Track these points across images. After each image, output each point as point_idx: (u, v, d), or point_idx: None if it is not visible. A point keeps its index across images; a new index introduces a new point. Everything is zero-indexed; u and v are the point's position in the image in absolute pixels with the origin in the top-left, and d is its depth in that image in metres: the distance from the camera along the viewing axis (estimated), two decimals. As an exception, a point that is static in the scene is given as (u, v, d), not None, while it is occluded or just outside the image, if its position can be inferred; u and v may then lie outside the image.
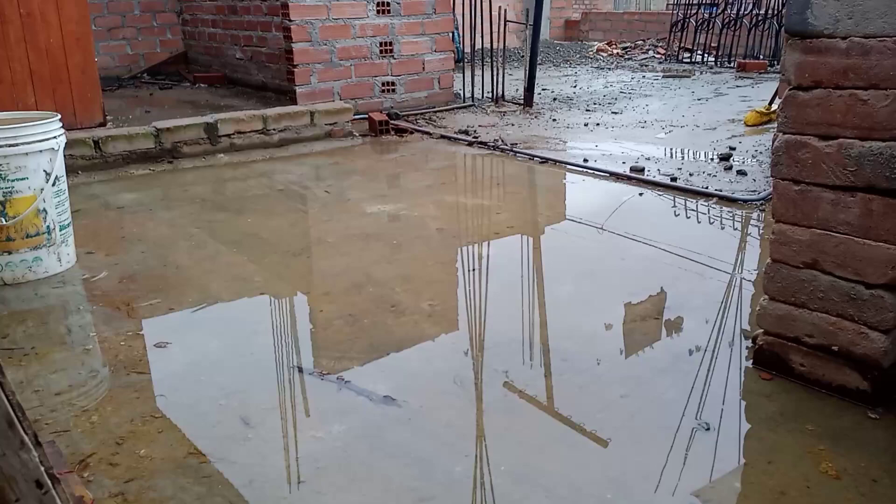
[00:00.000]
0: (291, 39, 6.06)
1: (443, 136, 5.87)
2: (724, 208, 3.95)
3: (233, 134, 5.40)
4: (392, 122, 6.09)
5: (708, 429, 1.98)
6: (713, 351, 2.40)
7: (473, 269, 3.18)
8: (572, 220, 3.89)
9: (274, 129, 5.58)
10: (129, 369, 2.34)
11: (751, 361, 2.30)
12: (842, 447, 1.88)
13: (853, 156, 1.95)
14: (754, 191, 4.17)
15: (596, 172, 4.75)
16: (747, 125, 6.05)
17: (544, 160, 5.08)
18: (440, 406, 2.12)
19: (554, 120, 6.51)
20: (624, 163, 4.88)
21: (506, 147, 5.41)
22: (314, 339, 2.56)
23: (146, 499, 1.74)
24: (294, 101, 6.14)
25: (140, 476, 1.82)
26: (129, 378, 2.29)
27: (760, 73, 9.24)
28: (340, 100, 6.31)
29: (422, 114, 6.61)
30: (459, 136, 5.80)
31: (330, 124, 5.83)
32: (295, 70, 6.14)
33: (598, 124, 6.28)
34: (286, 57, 6.25)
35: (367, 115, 6.13)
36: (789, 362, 2.20)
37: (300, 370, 2.33)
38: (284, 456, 1.89)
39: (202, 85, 7.81)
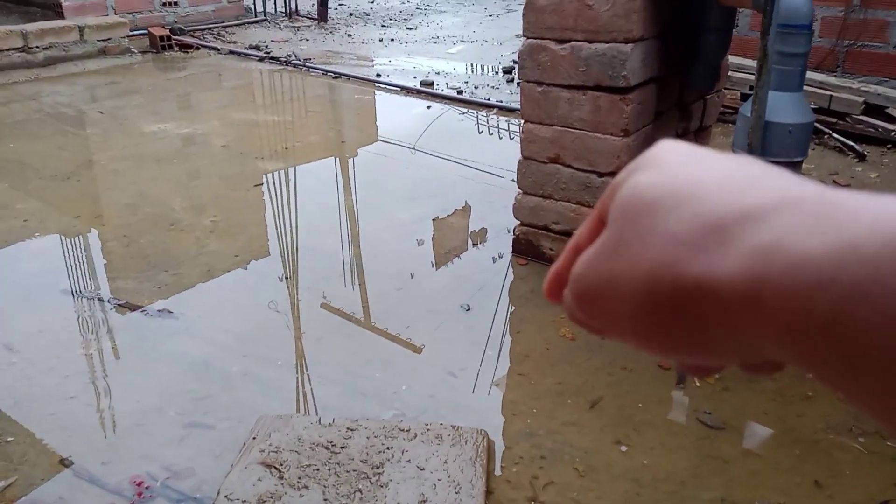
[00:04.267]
0: (49, -56, 5.45)
1: (232, 52, 5.64)
2: (505, 118, 4.20)
3: (-13, 52, 4.84)
4: (176, 37, 5.73)
5: (468, 309, 2.20)
6: (482, 245, 2.62)
7: (259, 185, 3.17)
8: (357, 130, 3.95)
9: (37, 47, 5.05)
10: None
11: (510, 250, 2.55)
12: (580, 315, 2.17)
13: (583, 57, 2.17)
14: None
15: (388, 87, 4.83)
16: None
17: (337, 75, 5.06)
18: (217, 315, 2.16)
19: (349, 35, 6.46)
20: (415, 77, 5.00)
21: (298, 62, 5.31)
22: (84, 262, 2.47)
23: None
24: (61, 16, 5.57)
25: None
26: None
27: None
28: (115, 14, 5.81)
29: (210, 29, 6.27)
30: (250, 52, 5.60)
31: (103, 40, 5.38)
32: (58, -20, 5.54)
33: (392, 40, 6.32)
34: (46, -36, 5.62)
35: (147, 31, 5.72)
36: (541, 248, 2.47)
37: (71, 293, 2.25)
38: (51, 375, 1.86)
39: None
